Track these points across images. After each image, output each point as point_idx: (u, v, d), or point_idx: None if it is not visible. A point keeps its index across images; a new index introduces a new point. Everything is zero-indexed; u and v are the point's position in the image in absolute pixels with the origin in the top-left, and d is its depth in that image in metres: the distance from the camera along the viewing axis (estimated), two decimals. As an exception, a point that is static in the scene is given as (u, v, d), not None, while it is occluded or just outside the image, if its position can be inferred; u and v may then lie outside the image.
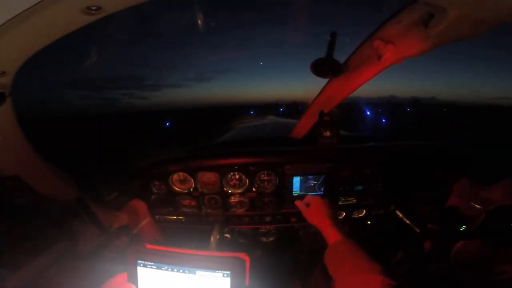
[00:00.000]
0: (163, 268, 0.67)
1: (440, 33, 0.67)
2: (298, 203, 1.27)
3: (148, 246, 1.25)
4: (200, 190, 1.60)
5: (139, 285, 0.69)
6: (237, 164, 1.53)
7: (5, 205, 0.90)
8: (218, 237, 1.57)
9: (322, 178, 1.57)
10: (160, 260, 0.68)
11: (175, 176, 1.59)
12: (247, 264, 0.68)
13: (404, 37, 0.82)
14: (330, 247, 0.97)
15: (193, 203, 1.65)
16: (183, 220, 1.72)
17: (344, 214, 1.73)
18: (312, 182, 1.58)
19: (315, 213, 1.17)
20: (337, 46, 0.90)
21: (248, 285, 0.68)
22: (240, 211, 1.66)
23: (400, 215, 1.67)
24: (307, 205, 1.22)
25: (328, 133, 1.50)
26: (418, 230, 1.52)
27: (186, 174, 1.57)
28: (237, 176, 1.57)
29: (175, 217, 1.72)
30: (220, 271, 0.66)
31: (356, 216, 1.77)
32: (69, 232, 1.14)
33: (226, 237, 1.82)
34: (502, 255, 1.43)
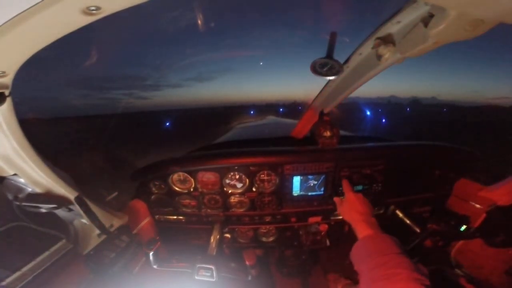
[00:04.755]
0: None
1: (440, 33, 0.67)
2: (336, 199, 1.33)
3: (147, 250, 1.25)
4: (200, 190, 1.60)
5: None
6: (237, 164, 1.53)
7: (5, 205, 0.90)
8: (218, 237, 1.56)
9: (322, 178, 1.57)
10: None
11: (175, 176, 1.59)
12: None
13: (404, 37, 0.82)
14: (357, 242, 0.95)
15: (193, 203, 1.65)
16: (183, 220, 1.72)
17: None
18: (312, 182, 1.58)
19: (347, 209, 1.17)
20: (337, 46, 0.90)
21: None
22: (240, 211, 1.66)
23: (400, 215, 1.67)
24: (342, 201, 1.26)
25: (328, 133, 1.50)
26: (418, 230, 1.52)
27: (186, 174, 1.57)
28: (237, 176, 1.57)
29: (175, 217, 1.72)
30: None
31: None
32: (69, 232, 1.14)
33: (226, 237, 1.82)
34: (502, 255, 1.43)
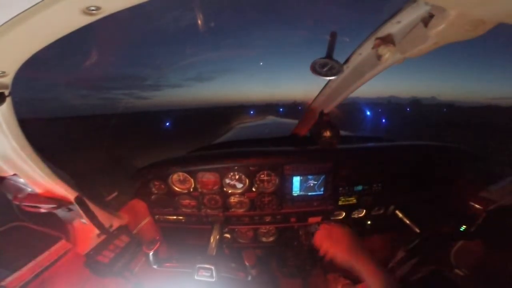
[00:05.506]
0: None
1: (440, 33, 0.67)
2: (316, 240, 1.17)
3: (147, 250, 1.25)
4: (200, 190, 1.60)
5: None
6: (237, 164, 1.53)
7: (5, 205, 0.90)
8: (218, 237, 1.56)
9: (322, 178, 1.56)
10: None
11: (175, 176, 1.59)
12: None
13: (404, 37, 0.82)
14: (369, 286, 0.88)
15: (193, 203, 1.65)
16: (183, 220, 1.72)
17: (344, 214, 1.73)
18: (312, 182, 1.57)
19: (343, 247, 1.04)
20: (337, 46, 0.90)
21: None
22: (240, 211, 1.66)
23: (400, 215, 1.67)
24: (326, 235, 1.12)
25: (328, 133, 1.50)
26: (418, 230, 1.52)
27: (186, 174, 1.57)
28: (237, 176, 1.57)
29: (175, 217, 1.72)
30: None
31: (356, 216, 1.77)
32: (68, 232, 1.14)
33: (226, 237, 1.82)
34: (502, 255, 1.43)
